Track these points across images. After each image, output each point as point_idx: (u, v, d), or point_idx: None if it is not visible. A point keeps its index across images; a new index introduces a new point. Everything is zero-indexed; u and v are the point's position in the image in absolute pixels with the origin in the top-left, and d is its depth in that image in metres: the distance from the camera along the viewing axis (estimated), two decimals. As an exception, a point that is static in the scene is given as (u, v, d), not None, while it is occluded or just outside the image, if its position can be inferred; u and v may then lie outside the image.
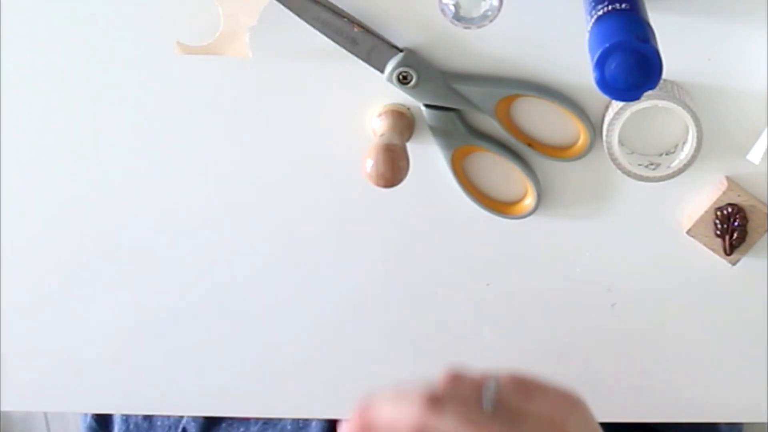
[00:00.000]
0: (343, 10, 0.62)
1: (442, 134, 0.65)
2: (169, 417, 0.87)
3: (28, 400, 0.78)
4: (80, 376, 0.76)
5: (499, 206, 0.68)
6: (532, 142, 0.65)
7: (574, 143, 0.66)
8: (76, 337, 0.75)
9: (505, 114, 0.65)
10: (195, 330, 0.74)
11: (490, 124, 0.65)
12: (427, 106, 0.64)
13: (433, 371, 0.73)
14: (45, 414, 1.74)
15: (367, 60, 0.63)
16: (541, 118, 0.65)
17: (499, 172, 0.67)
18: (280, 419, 0.84)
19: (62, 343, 0.75)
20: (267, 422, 0.85)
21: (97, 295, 0.73)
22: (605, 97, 0.61)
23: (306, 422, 0.84)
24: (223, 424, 0.88)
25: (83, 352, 0.75)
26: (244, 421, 0.86)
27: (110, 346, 0.75)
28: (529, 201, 0.67)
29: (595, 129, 0.65)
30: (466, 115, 0.65)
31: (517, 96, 0.64)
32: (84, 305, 0.73)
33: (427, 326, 0.72)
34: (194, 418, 0.84)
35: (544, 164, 0.66)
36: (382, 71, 0.63)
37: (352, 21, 0.62)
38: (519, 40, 0.63)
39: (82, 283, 0.72)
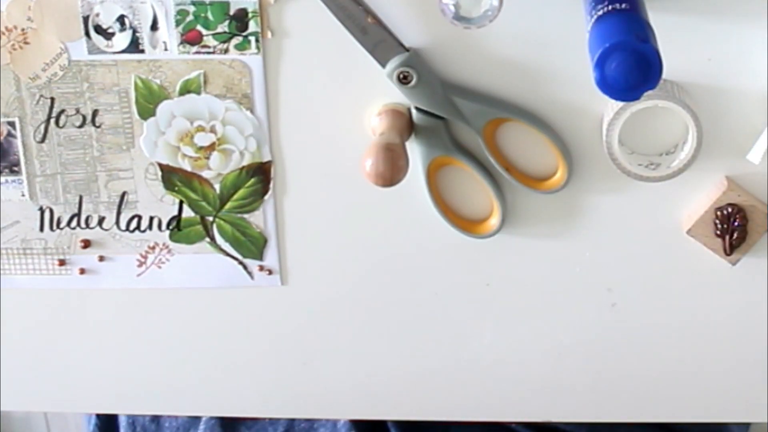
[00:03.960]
0: None
1: (426, 140, 0.65)
2: (177, 418, 0.87)
3: (28, 400, 0.78)
4: (80, 376, 0.76)
5: (462, 222, 0.68)
6: (509, 167, 0.66)
7: (550, 177, 0.66)
8: (76, 337, 0.75)
9: (491, 134, 0.65)
10: (196, 329, 0.74)
11: (473, 140, 0.65)
12: (418, 109, 0.64)
13: (434, 372, 0.73)
14: (45, 414, 1.74)
15: (372, 52, 0.63)
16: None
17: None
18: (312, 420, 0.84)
19: (62, 343, 0.75)
20: (290, 422, 0.85)
21: (96, 294, 0.73)
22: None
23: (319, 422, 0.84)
24: (245, 425, 0.88)
25: (83, 352, 0.75)
26: (272, 421, 0.86)
27: (111, 345, 0.75)
28: (494, 221, 0.67)
29: (573, 166, 0.65)
30: (452, 126, 0.65)
31: (508, 120, 0.64)
32: (84, 304, 0.73)
33: (428, 327, 0.72)
34: (210, 418, 0.84)
35: (544, 164, 0.67)
36: (383, 66, 0.63)
37: (367, 11, 0.62)
38: (523, 48, 0.63)
39: (80, 282, 0.72)
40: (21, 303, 0.74)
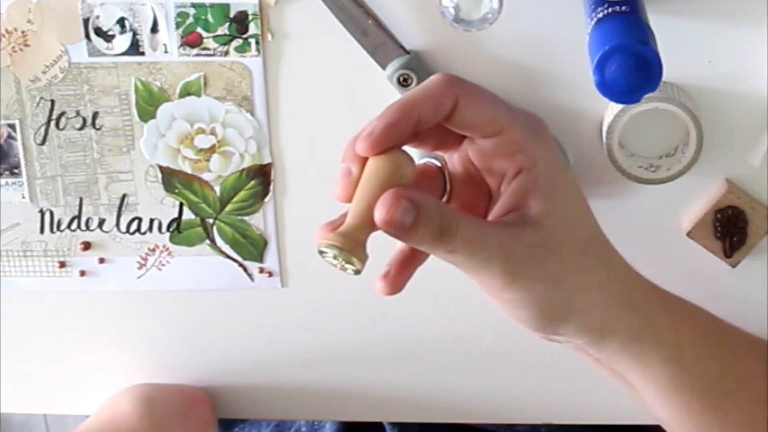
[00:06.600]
0: (363, 1, 0.62)
1: None
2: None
3: (28, 402, 0.78)
4: (80, 377, 0.76)
5: None
6: None
7: None
8: (77, 338, 0.75)
9: None
10: (196, 331, 0.74)
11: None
12: None
13: (437, 373, 0.73)
14: (45, 416, 1.74)
15: (372, 54, 0.63)
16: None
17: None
18: (293, 421, 0.84)
19: (62, 345, 0.75)
20: (279, 424, 0.85)
21: (97, 296, 0.73)
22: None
23: (320, 424, 0.83)
24: (236, 429, 0.88)
25: (83, 353, 0.75)
26: (256, 423, 0.86)
27: (111, 347, 0.75)
28: None
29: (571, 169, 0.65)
30: None
31: None
32: (84, 306, 0.73)
33: (428, 329, 0.72)
34: None
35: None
36: (384, 68, 0.63)
37: (368, 13, 0.62)
38: (522, 51, 0.63)
39: (81, 284, 0.72)
40: (21, 305, 0.74)
